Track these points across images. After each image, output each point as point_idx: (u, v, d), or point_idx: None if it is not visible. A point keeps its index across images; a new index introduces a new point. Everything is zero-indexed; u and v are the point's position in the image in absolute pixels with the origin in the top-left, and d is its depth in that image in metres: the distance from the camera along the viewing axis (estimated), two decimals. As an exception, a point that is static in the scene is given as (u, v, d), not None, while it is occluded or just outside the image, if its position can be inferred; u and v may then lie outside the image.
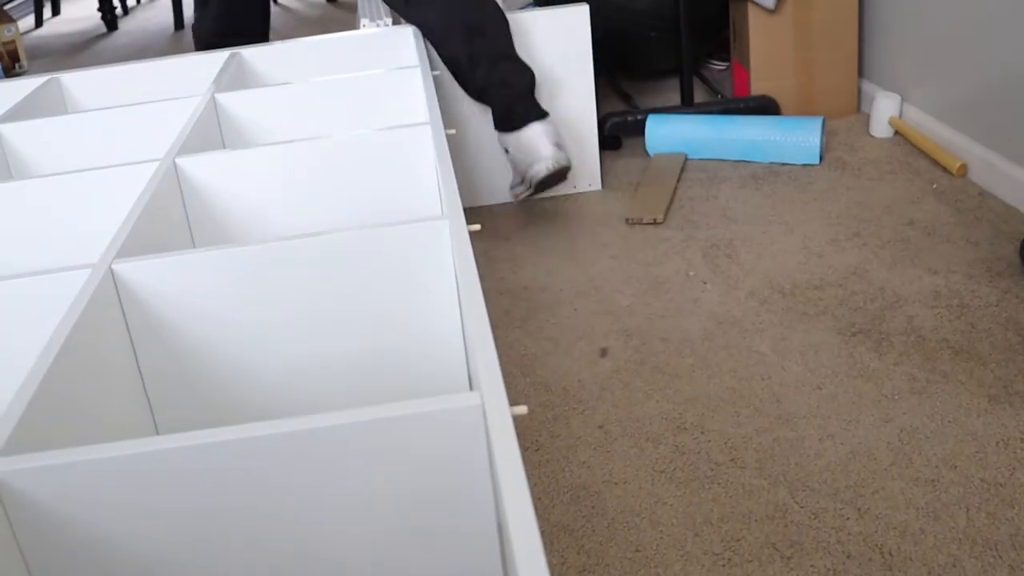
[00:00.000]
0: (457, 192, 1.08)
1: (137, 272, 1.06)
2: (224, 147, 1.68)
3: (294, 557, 0.76)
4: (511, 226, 2.00)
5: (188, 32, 4.42)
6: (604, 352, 1.51)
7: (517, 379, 1.48)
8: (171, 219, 1.32)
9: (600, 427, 1.35)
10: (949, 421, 1.29)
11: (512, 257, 1.87)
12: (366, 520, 0.76)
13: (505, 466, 0.64)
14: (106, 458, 0.71)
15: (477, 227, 1.04)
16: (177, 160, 1.37)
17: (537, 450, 1.32)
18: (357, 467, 0.74)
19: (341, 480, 0.74)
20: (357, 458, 0.74)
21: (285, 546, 0.76)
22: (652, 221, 1.91)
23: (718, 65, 2.85)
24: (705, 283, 1.68)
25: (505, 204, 2.10)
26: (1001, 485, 1.17)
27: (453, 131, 1.38)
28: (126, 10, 5.29)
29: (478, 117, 2.00)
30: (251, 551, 0.76)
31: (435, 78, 1.64)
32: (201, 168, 1.37)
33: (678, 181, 2.09)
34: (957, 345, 1.44)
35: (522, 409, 0.73)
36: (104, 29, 4.77)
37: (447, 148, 1.22)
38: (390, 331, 1.05)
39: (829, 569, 1.07)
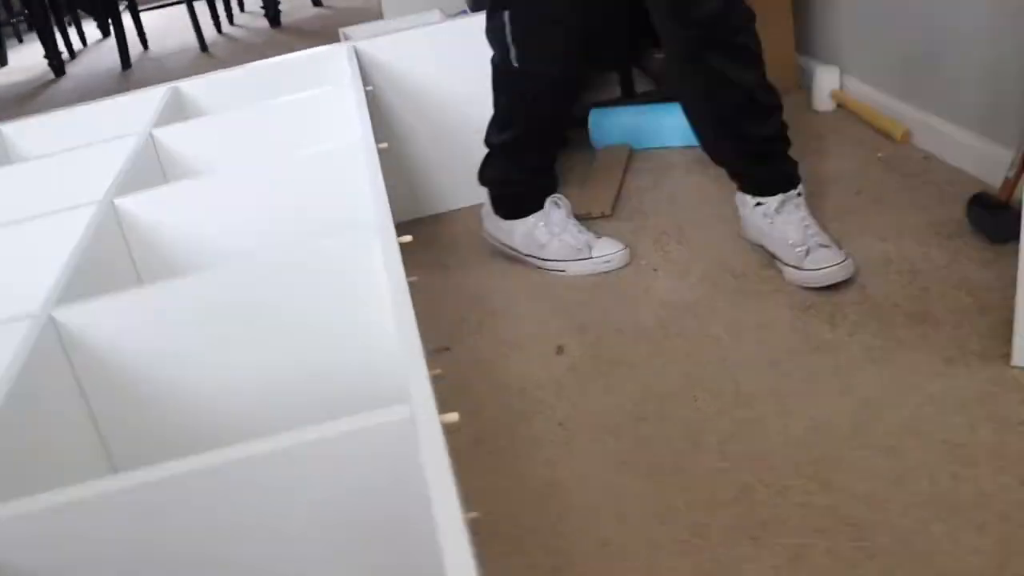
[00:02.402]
0: (387, 204, 1.06)
1: (78, 317, 1.04)
2: (167, 182, 1.66)
3: (240, 586, 0.75)
4: (462, 233, 1.98)
5: (135, 71, 4.39)
6: (560, 349, 1.50)
7: (476, 384, 1.47)
8: (113, 260, 1.30)
9: (560, 424, 1.34)
10: (907, 387, 1.29)
11: (464, 264, 1.86)
12: (308, 541, 0.74)
13: (435, 475, 0.63)
14: (41, 509, 0.70)
15: (408, 238, 1.03)
16: (115, 200, 1.35)
17: (500, 453, 1.31)
18: (293, 490, 0.73)
19: (277, 506, 0.73)
20: (292, 482, 0.73)
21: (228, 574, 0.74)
22: (600, 215, 1.90)
23: (662, 55, 2.85)
24: (656, 270, 1.68)
25: (455, 211, 2.09)
26: (962, 445, 1.17)
27: (385, 144, 1.37)
28: (72, 54, 5.24)
29: (417, 129, 2.00)
30: (195, 584, 0.74)
31: (368, 93, 1.63)
32: (140, 206, 1.36)
33: (625, 173, 2.09)
34: (911, 310, 1.44)
35: (452, 416, 0.72)
36: (52, 75, 4.73)
37: (378, 162, 1.21)
38: (332, 345, 1.04)
39: (798, 545, 1.07)
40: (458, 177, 2.04)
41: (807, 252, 1.54)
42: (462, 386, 1.47)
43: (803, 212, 1.59)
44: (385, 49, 1.95)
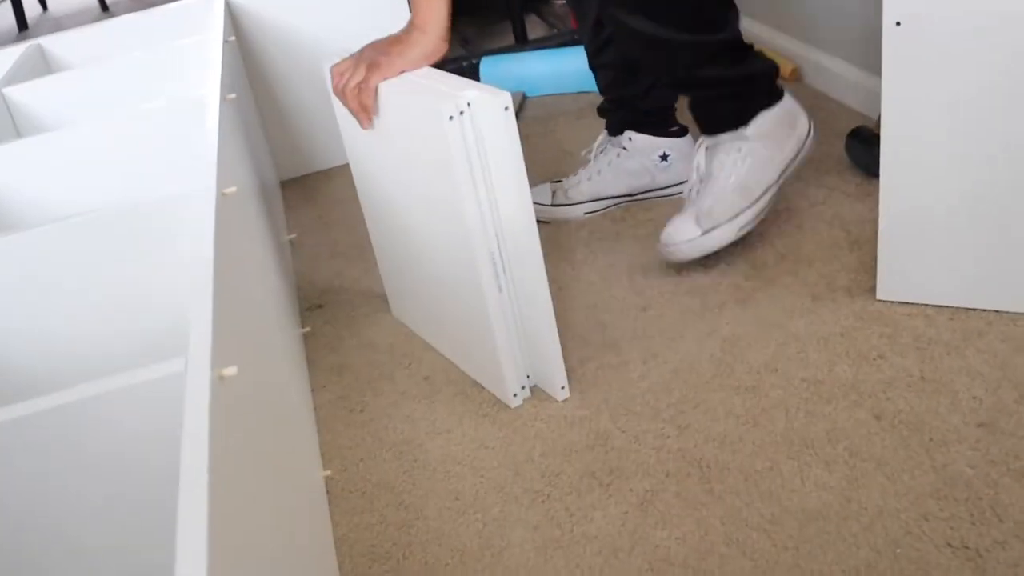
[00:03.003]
0: (215, 163, 1.01)
1: None
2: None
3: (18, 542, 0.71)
4: (345, 189, 1.93)
5: (32, 33, 4.25)
6: (433, 302, 1.47)
7: (345, 340, 1.43)
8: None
9: (426, 378, 1.31)
10: (772, 325, 1.27)
11: (345, 220, 1.81)
12: (88, 496, 0.71)
13: (190, 430, 0.59)
14: None
15: (233, 189, 0.99)
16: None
17: (362, 411, 1.28)
18: (72, 447, 0.69)
19: (55, 462, 0.69)
20: (70, 438, 0.69)
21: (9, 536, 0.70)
22: (486, 164, 1.86)
23: (560, 0, 2.81)
24: (537, 220, 1.64)
25: (340, 167, 2.04)
26: (820, 382, 1.15)
27: (233, 95, 1.31)
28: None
29: (295, 82, 1.94)
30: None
31: (229, 44, 1.57)
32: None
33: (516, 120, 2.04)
34: (784, 249, 1.43)
35: (231, 370, 0.68)
36: (-55, 39, 4.56)
37: (219, 115, 1.16)
38: (147, 306, 0.99)
39: (647, 490, 1.05)
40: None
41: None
42: (331, 343, 1.43)
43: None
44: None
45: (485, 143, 1.08)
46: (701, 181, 1.41)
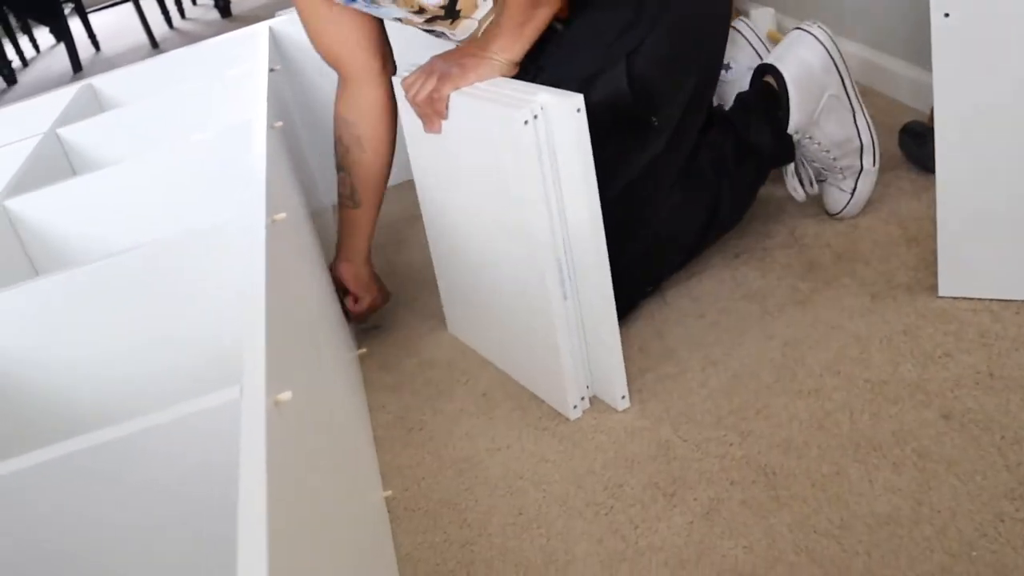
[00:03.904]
0: (263, 190, 1.02)
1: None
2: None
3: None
4: (396, 210, 1.94)
5: (86, 74, 4.35)
6: (487, 318, 1.47)
7: (403, 360, 1.44)
8: (4, 262, 1.27)
9: (484, 394, 1.30)
10: (832, 327, 1.25)
11: (398, 240, 1.82)
12: (146, 525, 0.71)
13: (248, 458, 0.60)
14: None
15: (282, 215, 0.99)
16: (5, 203, 1.31)
17: (421, 429, 1.28)
18: (132, 477, 0.70)
19: (114, 493, 0.70)
20: (129, 469, 0.70)
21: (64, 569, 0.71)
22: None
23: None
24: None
25: (390, 188, 2.04)
26: (884, 383, 1.13)
27: (280, 123, 1.32)
28: (25, 63, 5.19)
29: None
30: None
31: (273, 72, 1.59)
32: (33, 206, 1.32)
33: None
34: (840, 249, 1.40)
35: (286, 395, 0.68)
36: (3, 84, 4.68)
37: (266, 143, 1.17)
38: (207, 336, 1.00)
39: (712, 499, 1.03)
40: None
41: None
42: (388, 363, 1.44)
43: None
44: (297, 26, 1.90)
45: (556, 147, 1.07)
46: (814, 182, 1.49)
